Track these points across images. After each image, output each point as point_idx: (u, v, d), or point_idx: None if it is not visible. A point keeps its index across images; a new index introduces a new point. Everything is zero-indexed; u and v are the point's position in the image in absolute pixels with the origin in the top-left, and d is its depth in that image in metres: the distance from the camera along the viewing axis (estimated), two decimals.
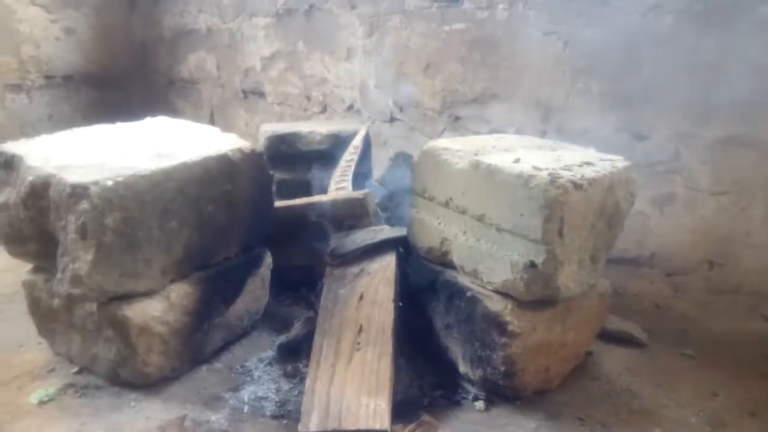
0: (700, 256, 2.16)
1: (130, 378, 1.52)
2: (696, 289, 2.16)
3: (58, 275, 1.43)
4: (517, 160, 1.48)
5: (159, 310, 1.50)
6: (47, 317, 1.62)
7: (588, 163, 1.49)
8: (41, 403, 1.48)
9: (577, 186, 1.36)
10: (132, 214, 1.40)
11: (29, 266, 1.64)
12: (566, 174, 1.38)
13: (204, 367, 1.64)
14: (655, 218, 2.23)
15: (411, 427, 1.38)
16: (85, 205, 1.34)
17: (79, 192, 1.34)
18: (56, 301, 1.55)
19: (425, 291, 1.68)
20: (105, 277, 1.40)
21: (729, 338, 1.91)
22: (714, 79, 2.04)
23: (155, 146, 1.63)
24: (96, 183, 1.35)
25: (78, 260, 1.37)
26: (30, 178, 1.43)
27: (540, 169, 1.40)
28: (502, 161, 1.48)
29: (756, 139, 2.00)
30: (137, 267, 1.45)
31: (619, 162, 1.54)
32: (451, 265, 1.61)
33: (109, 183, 1.36)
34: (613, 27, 2.21)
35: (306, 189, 2.24)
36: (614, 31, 2.21)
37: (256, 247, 1.82)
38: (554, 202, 1.34)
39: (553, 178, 1.35)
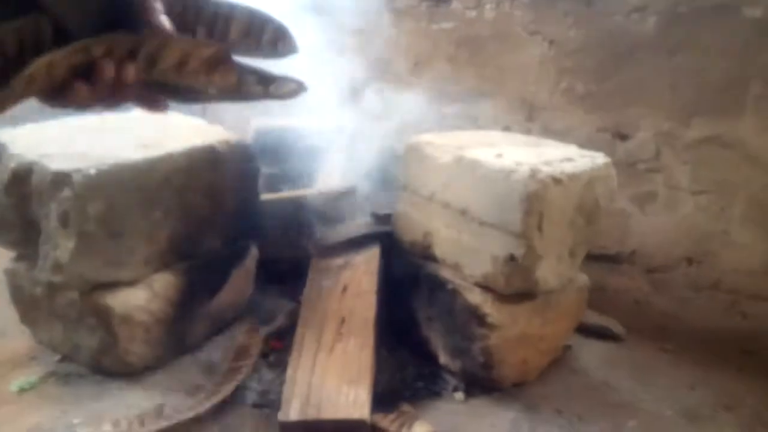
0: (679, 253, 2.20)
1: (112, 367, 1.52)
2: (675, 286, 2.19)
3: (40, 263, 1.44)
4: (499, 155, 1.50)
5: (142, 299, 1.51)
6: (29, 305, 1.61)
7: (568, 159, 1.52)
8: (22, 390, 1.48)
9: (556, 181, 1.38)
10: (115, 203, 1.41)
11: (12, 254, 1.64)
12: (546, 169, 1.40)
13: (186, 357, 1.64)
14: (636, 216, 2.27)
15: (391, 416, 1.39)
16: (67, 192, 1.34)
17: (61, 179, 1.34)
18: (38, 290, 1.55)
19: (408, 283, 1.70)
20: (87, 266, 1.40)
21: (707, 334, 1.94)
22: (696, 80, 2.08)
23: (141, 136, 1.63)
24: (78, 171, 1.35)
25: (59, 248, 1.38)
26: (12, 165, 1.43)
27: (521, 164, 1.42)
28: (484, 156, 1.50)
29: (735, 140, 2.04)
30: (120, 256, 1.45)
31: (599, 158, 1.57)
32: (433, 258, 1.63)
33: (92, 171, 1.37)
34: (597, 27, 2.24)
35: (294, 182, 2.25)
36: (598, 32, 2.24)
37: (242, 238, 1.83)
38: (534, 197, 1.36)
39: (534, 173, 1.37)
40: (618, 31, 2.20)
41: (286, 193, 2.06)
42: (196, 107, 3.98)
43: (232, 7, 0.73)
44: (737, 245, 2.08)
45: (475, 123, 2.63)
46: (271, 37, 0.77)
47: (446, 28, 2.68)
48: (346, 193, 1.99)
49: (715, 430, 1.48)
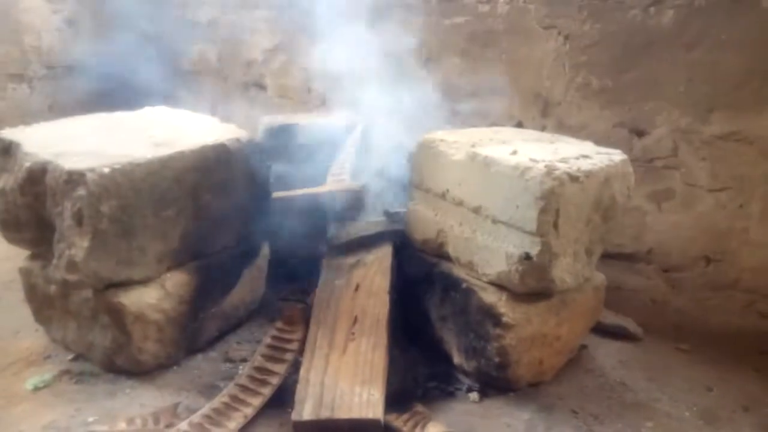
0: (697, 252, 2.16)
1: (125, 365, 1.52)
2: (693, 286, 2.16)
3: (55, 261, 1.44)
4: (514, 152, 1.48)
5: (155, 297, 1.51)
6: (44, 304, 1.62)
7: (585, 156, 1.49)
8: (36, 389, 1.48)
9: (573, 178, 1.36)
10: (128, 202, 1.41)
11: (27, 253, 1.65)
12: (563, 166, 1.38)
13: (199, 356, 1.64)
14: (652, 214, 2.23)
15: (404, 417, 1.38)
16: (81, 191, 1.34)
17: (75, 178, 1.34)
18: (53, 288, 1.56)
19: (421, 282, 1.68)
20: (101, 264, 1.40)
21: (724, 334, 1.91)
22: (714, 75, 2.04)
23: (153, 135, 1.63)
24: (92, 170, 1.35)
25: (74, 247, 1.38)
26: (27, 164, 1.43)
27: (536, 161, 1.40)
28: (498, 153, 1.48)
29: (755, 135, 2.00)
30: (133, 254, 1.45)
31: (616, 155, 1.54)
32: (446, 257, 1.62)
33: (106, 170, 1.36)
34: (613, 21, 2.21)
35: (304, 180, 2.24)
36: (615, 26, 2.21)
37: (254, 237, 1.83)
38: (550, 194, 1.34)
39: (550, 170, 1.35)
40: (634, 25, 2.16)
41: (297, 191, 2.05)
42: (205, 104, 4.00)
43: None
44: (756, 244, 2.04)
45: (487, 119, 2.61)
46: None
47: (458, 23, 2.65)
48: (358, 191, 1.97)
49: None
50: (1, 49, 3.42)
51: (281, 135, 2.46)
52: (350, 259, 1.76)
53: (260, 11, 3.52)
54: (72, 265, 1.39)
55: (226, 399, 1.40)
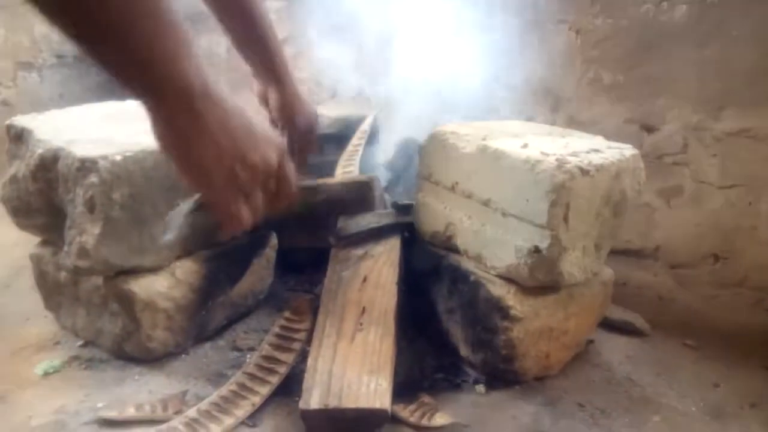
0: (705, 249, 2.15)
1: (134, 352, 1.53)
2: (700, 283, 2.16)
3: (66, 248, 1.45)
4: (524, 146, 1.47)
5: (164, 285, 1.51)
6: (54, 290, 1.63)
7: (596, 150, 1.48)
8: (46, 374, 1.50)
9: (584, 172, 1.36)
10: (139, 190, 1.41)
11: (37, 240, 1.66)
12: (573, 160, 1.37)
13: (207, 344, 1.65)
14: (661, 210, 2.23)
15: (411, 407, 1.39)
16: (93, 179, 1.35)
17: (87, 166, 1.35)
18: (63, 275, 1.57)
19: (429, 275, 1.69)
20: (111, 251, 1.41)
21: (732, 331, 1.91)
22: (726, 71, 2.03)
23: None
24: (105, 157, 1.36)
25: (85, 233, 1.39)
26: (39, 151, 1.44)
27: (547, 155, 1.39)
28: (509, 146, 1.47)
29: (765, 133, 1.99)
30: (144, 242, 1.46)
31: (627, 150, 1.54)
32: (455, 250, 1.62)
33: (118, 158, 1.37)
34: (625, 16, 2.20)
35: (313, 172, 2.24)
36: (626, 21, 2.20)
37: (262, 227, 1.83)
38: (560, 188, 1.33)
39: (560, 164, 1.35)
40: (647, 20, 2.15)
41: (305, 182, 2.05)
42: None
43: None
44: (764, 242, 2.03)
45: (498, 113, 2.60)
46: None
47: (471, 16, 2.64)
48: (367, 183, 1.97)
49: (740, 428, 1.45)
50: (11, 37, 3.43)
51: None
52: (358, 251, 1.76)
53: (270, 2, 3.51)
54: (83, 252, 1.40)
55: (233, 387, 1.41)
